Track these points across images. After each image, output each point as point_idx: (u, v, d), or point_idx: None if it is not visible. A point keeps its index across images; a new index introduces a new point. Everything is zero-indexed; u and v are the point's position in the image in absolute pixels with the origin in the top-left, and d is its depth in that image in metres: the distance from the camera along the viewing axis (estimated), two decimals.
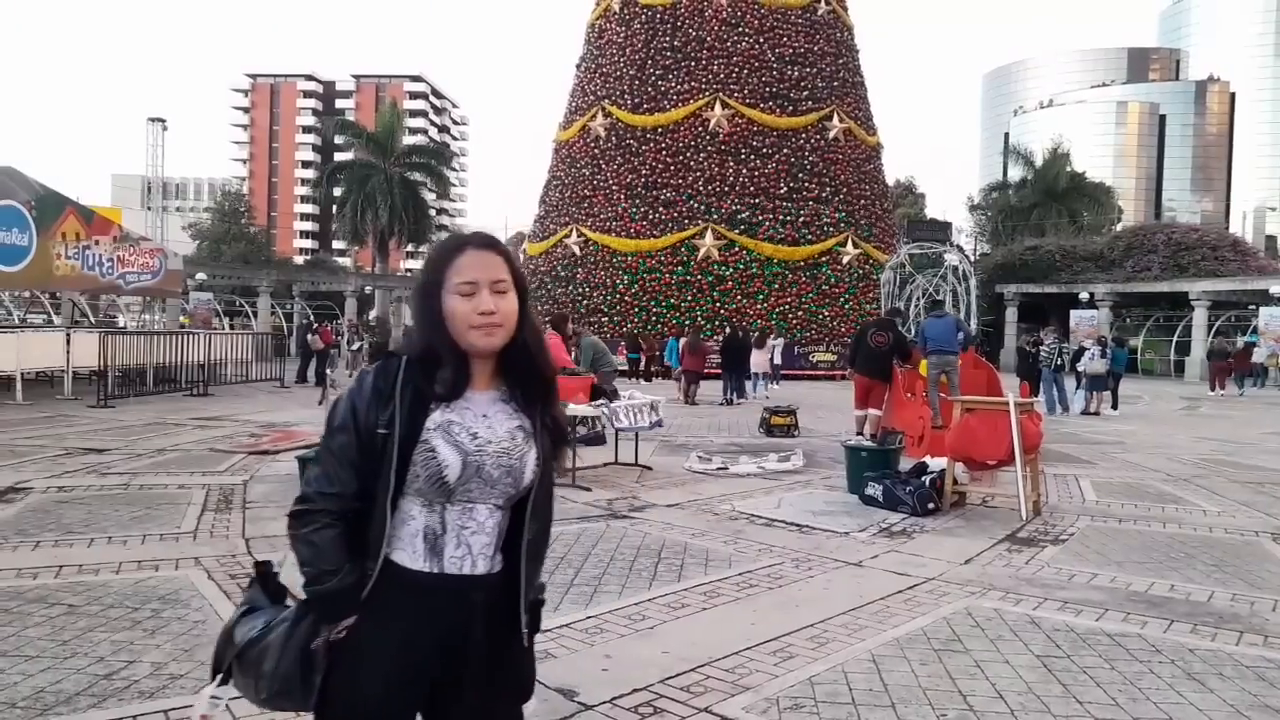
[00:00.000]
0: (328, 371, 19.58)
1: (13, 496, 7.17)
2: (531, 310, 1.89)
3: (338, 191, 53.81)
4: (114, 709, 3.32)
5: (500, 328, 1.77)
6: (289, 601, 1.85)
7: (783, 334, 26.25)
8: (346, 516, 1.73)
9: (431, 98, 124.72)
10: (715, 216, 29.78)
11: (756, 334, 22.92)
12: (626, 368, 26.16)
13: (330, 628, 1.71)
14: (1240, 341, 30.58)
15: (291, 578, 1.83)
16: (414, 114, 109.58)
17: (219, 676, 1.83)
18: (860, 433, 11.55)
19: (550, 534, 1.96)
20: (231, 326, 37.70)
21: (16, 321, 26.56)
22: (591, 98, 32.77)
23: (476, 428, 1.77)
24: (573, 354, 10.77)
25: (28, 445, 10.04)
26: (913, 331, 15.35)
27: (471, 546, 1.78)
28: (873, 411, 11.73)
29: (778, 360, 24.19)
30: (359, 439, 1.72)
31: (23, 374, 15.68)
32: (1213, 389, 25.77)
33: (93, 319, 28.32)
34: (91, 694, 3.44)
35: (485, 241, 1.84)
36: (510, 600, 1.82)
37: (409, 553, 1.75)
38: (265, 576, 1.89)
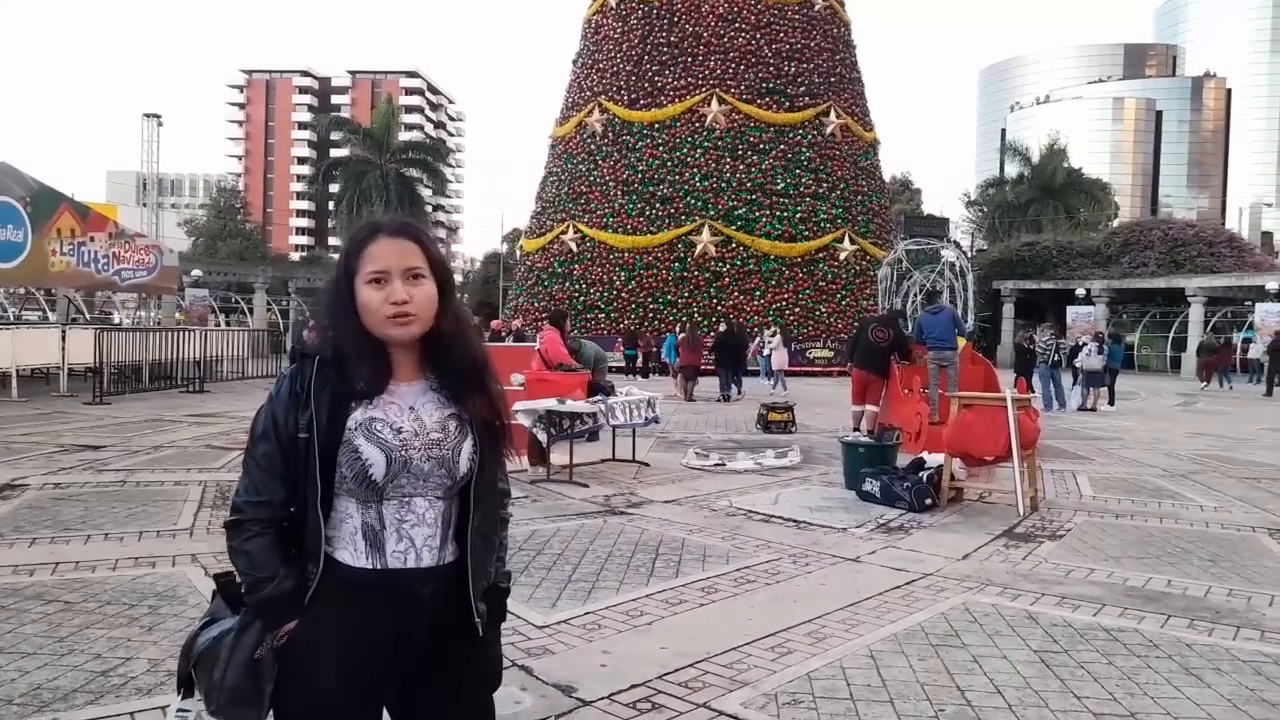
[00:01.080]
0: None
1: (9, 493, 7.15)
2: (457, 299, 1.84)
3: (334, 188, 53.82)
4: (111, 705, 3.31)
5: (415, 317, 1.72)
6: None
7: (779, 330, 26.27)
8: (278, 524, 1.72)
9: (428, 94, 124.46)
10: (712, 212, 29.78)
11: (779, 333, 23.27)
12: (623, 364, 26.17)
13: (273, 634, 1.69)
14: (1221, 338, 31.04)
15: None
16: (410, 110, 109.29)
17: (182, 691, 1.81)
18: (857, 428, 11.54)
19: (500, 519, 1.91)
20: (227, 323, 37.63)
21: (12, 318, 26.49)
22: (588, 93, 32.74)
23: (400, 422, 1.73)
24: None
25: (23, 442, 10.01)
26: (909, 328, 15.34)
27: (414, 540, 1.74)
28: (870, 407, 11.73)
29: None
30: (281, 446, 1.70)
31: (18, 370, 15.63)
32: (1205, 383, 26.33)
33: (88, 315, 28.26)
34: (88, 690, 3.43)
35: (398, 227, 1.78)
36: (464, 589, 1.78)
37: (350, 551, 1.73)
38: (225, 587, 1.87)
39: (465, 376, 1.81)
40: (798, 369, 26.77)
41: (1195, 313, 33.16)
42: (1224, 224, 64.53)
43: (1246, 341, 32.01)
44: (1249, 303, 33.03)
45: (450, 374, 1.80)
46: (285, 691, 1.69)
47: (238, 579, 1.74)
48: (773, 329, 26.29)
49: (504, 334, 23.66)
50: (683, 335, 21.51)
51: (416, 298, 1.73)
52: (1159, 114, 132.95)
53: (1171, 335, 35.28)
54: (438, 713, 1.81)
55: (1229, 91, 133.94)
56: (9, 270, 16.31)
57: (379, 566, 1.73)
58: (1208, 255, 36.64)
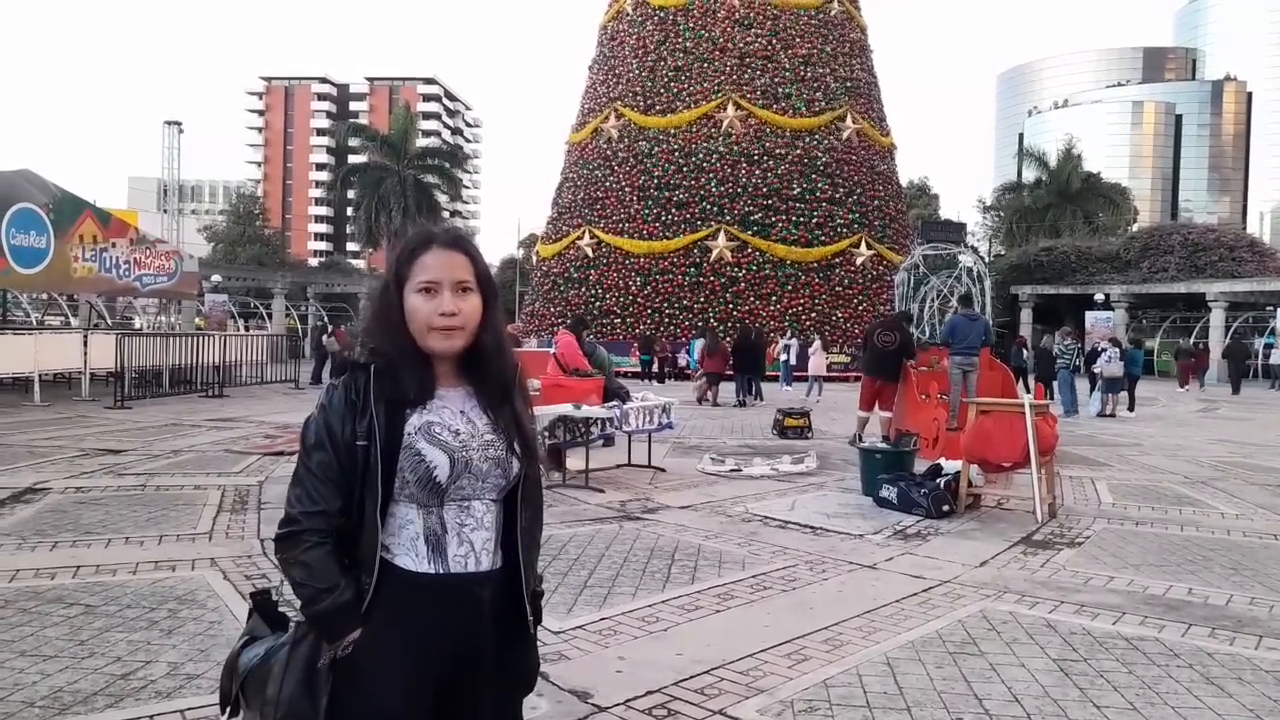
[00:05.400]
0: None
1: (31, 497, 7.22)
2: (498, 313, 1.86)
3: (352, 194, 54.13)
4: (131, 709, 3.33)
5: (461, 330, 1.76)
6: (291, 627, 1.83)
7: (795, 335, 26.22)
8: (334, 533, 1.71)
9: (445, 100, 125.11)
10: (728, 218, 29.75)
11: (816, 340, 23.48)
12: (639, 369, 26.17)
13: (334, 645, 1.68)
14: (1200, 343, 32.31)
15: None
16: (427, 116, 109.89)
17: (228, 709, 1.81)
18: (860, 433, 11.54)
19: (542, 521, 1.95)
20: (246, 328, 37.88)
21: (34, 323, 26.77)
22: (604, 99, 32.81)
23: (457, 425, 1.77)
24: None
25: (46, 446, 10.12)
26: (929, 332, 15.26)
27: (474, 543, 1.77)
28: (883, 413, 11.70)
29: (793, 361, 24.16)
30: (338, 455, 1.71)
31: (41, 375, 15.80)
32: (1181, 386, 27.42)
33: (109, 321, 28.51)
34: (108, 694, 3.46)
35: (451, 239, 1.81)
36: (513, 593, 1.82)
37: (412, 557, 1.74)
38: (263, 605, 1.87)
39: (500, 390, 1.84)
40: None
41: (1216, 318, 32.86)
42: (1245, 228, 63.89)
43: (1268, 347, 31.74)
44: (1270, 308, 32.70)
45: (488, 386, 1.83)
46: (343, 702, 1.67)
47: (293, 591, 1.72)
48: (788, 335, 26.25)
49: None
50: (704, 341, 21.54)
51: (464, 311, 1.76)
52: (1179, 118, 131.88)
53: (1192, 341, 34.97)
54: (477, 714, 1.81)
55: (1249, 95, 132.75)
56: (32, 276, 16.48)
57: (441, 571, 1.74)
58: (1228, 260, 36.30)
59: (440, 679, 1.75)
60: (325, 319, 36.82)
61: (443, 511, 1.76)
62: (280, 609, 1.87)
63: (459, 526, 1.77)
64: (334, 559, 1.70)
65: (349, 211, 56.72)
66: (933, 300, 25.09)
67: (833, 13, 32.23)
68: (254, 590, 1.93)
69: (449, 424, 1.76)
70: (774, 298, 29.38)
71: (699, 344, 22.73)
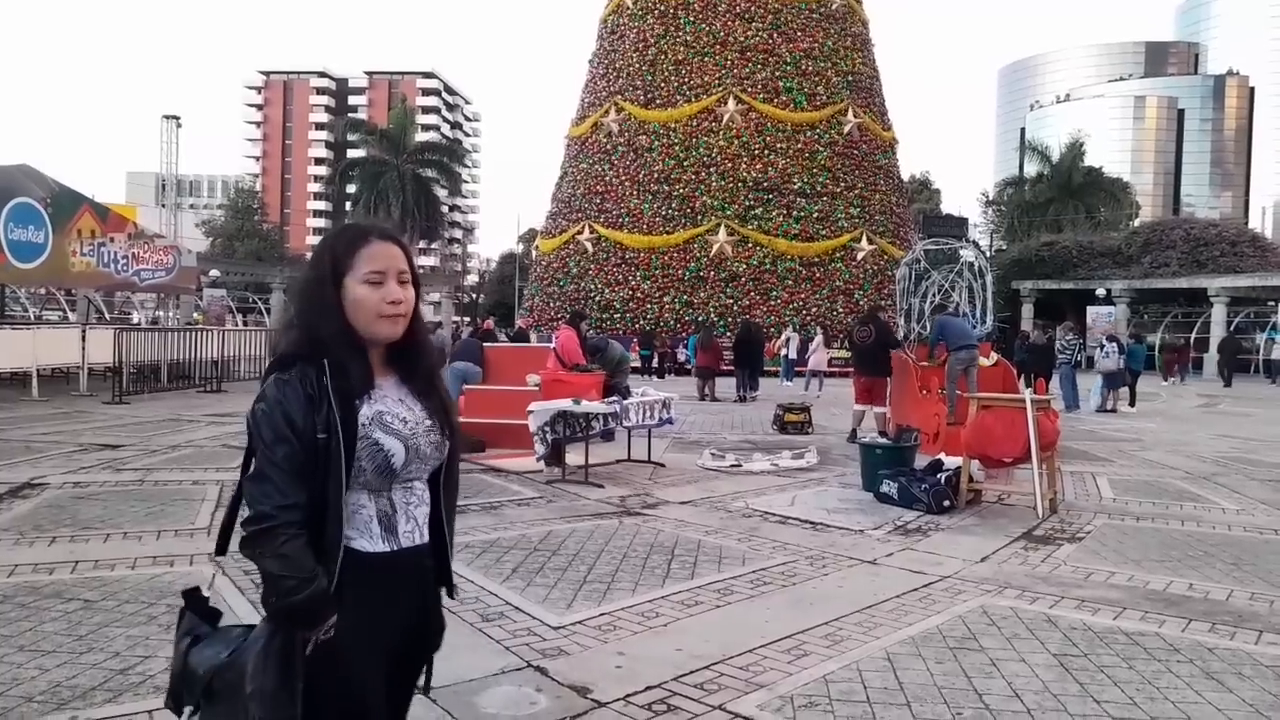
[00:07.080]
0: None
1: (29, 492, 7.21)
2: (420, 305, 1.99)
3: (351, 189, 54.13)
4: (129, 703, 3.32)
5: (404, 317, 1.86)
6: (223, 623, 1.94)
7: (796, 330, 26.21)
8: (304, 524, 1.73)
9: (444, 94, 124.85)
10: (729, 212, 29.73)
11: (818, 334, 23.56)
12: (639, 364, 26.17)
13: (315, 631, 1.72)
14: (1181, 338, 33.07)
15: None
16: (426, 110, 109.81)
17: (187, 710, 1.84)
18: (856, 428, 11.68)
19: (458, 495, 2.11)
20: (245, 323, 37.86)
21: (33, 318, 26.75)
22: (604, 93, 32.77)
23: (402, 413, 1.87)
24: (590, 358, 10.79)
25: (44, 441, 10.10)
26: (929, 328, 15.25)
27: (417, 519, 1.91)
28: (878, 409, 11.78)
29: (793, 355, 24.16)
30: (303, 447, 1.73)
31: (39, 370, 15.78)
32: (1167, 380, 27.74)
33: (108, 315, 28.49)
34: (107, 689, 3.45)
35: (388, 233, 1.90)
36: (440, 561, 1.98)
37: (368, 538, 1.83)
38: (196, 601, 1.96)
39: (426, 378, 1.96)
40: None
41: (1218, 313, 32.84)
42: (1247, 223, 63.97)
43: (1270, 342, 31.74)
44: (1272, 303, 32.70)
45: (419, 372, 1.94)
46: (320, 685, 1.72)
47: (269, 586, 1.73)
48: (790, 328, 26.25)
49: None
50: (698, 336, 21.53)
51: (408, 300, 1.87)
52: (1181, 112, 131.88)
53: (1193, 336, 34.95)
54: (414, 677, 2.00)
55: (1251, 90, 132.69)
56: (30, 270, 16.45)
57: (394, 548, 1.86)
58: (1230, 255, 36.31)
59: (392, 649, 1.88)
60: None
61: (391, 494, 1.87)
62: (211, 605, 1.96)
63: (405, 505, 1.88)
64: (308, 549, 1.73)
65: (348, 206, 56.76)
66: (934, 295, 25.06)
67: (834, 6, 32.17)
68: (185, 589, 1.99)
69: (396, 412, 1.86)
70: (775, 292, 29.37)
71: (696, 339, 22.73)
